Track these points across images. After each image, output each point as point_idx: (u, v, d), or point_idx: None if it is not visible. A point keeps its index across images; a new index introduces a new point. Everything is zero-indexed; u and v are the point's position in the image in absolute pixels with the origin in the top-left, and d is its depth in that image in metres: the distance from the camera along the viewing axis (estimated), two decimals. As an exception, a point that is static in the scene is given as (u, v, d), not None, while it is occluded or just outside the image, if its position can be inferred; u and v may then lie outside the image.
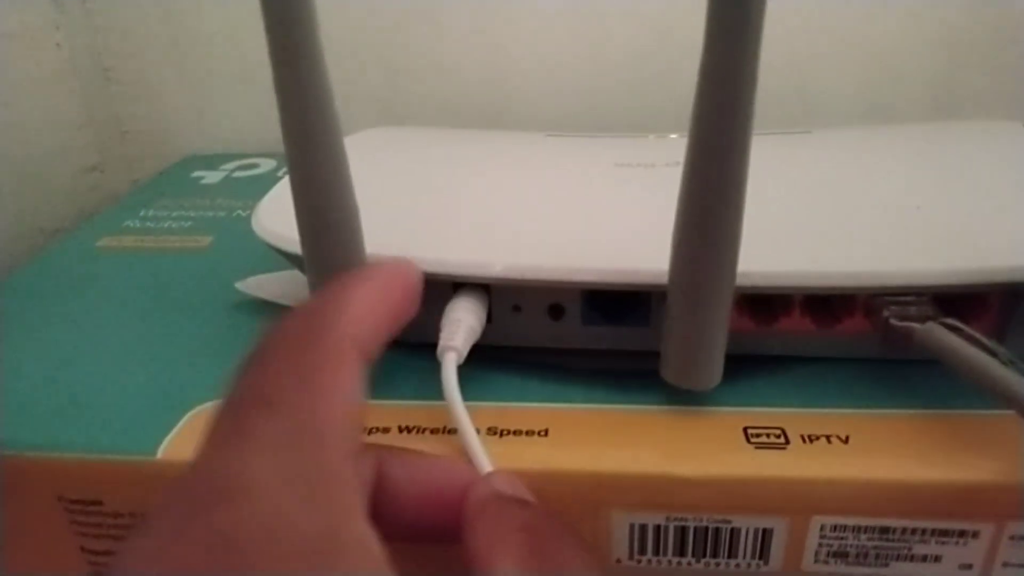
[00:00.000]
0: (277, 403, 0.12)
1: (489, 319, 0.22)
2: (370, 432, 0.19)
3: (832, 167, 0.26)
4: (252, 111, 0.42)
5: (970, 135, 0.29)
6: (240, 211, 0.34)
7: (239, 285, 0.27)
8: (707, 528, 0.18)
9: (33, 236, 0.37)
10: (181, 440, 0.20)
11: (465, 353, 0.20)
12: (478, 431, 0.19)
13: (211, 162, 0.41)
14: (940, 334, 0.19)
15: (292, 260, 0.23)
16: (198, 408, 0.21)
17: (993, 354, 0.18)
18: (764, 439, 0.19)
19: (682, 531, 0.19)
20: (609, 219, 0.23)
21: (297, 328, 0.14)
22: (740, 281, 0.18)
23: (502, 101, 0.41)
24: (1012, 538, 0.18)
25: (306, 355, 0.13)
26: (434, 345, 0.20)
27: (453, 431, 0.18)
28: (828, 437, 0.19)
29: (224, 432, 0.12)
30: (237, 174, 0.39)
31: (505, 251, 0.21)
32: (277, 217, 0.23)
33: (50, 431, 0.20)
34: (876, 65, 0.38)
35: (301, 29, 0.16)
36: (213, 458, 0.12)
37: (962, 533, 0.18)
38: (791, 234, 0.21)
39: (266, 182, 0.37)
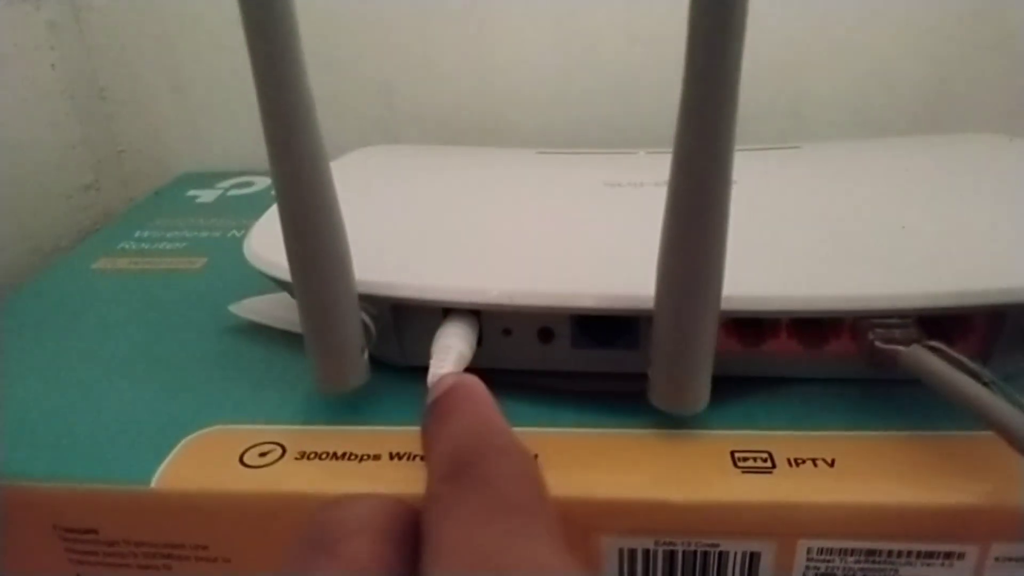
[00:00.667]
0: (536, 510, 0.14)
1: (479, 342, 0.22)
2: (360, 460, 0.20)
3: (819, 185, 0.27)
4: (247, 128, 0.42)
5: (956, 149, 0.30)
6: (235, 231, 0.34)
7: (232, 308, 0.27)
8: (695, 552, 0.19)
9: (30, 256, 0.38)
10: (176, 468, 0.20)
11: (455, 379, 0.20)
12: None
13: (206, 180, 0.41)
14: (924, 356, 0.19)
15: (283, 286, 0.23)
16: (192, 435, 0.21)
17: (976, 376, 0.18)
18: (751, 463, 0.19)
19: (671, 555, 0.19)
20: (598, 242, 0.23)
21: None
22: (726, 305, 0.18)
23: (494, 116, 0.41)
24: (998, 559, 0.18)
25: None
26: (425, 369, 0.21)
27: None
28: (814, 460, 0.19)
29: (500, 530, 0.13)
30: (232, 192, 0.39)
31: (495, 277, 0.22)
32: (268, 243, 0.24)
33: (44, 459, 0.20)
34: (866, 76, 0.38)
35: (283, 52, 0.16)
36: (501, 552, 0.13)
37: (948, 555, 0.18)
38: (776, 256, 0.21)
39: (260, 200, 0.38)
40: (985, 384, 0.18)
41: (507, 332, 0.23)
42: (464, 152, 0.34)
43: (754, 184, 0.25)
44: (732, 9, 0.14)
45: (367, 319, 0.21)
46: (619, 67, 0.40)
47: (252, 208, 0.34)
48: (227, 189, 0.40)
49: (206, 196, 0.39)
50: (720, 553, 0.19)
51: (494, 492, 0.14)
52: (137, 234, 0.34)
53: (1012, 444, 0.17)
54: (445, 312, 0.22)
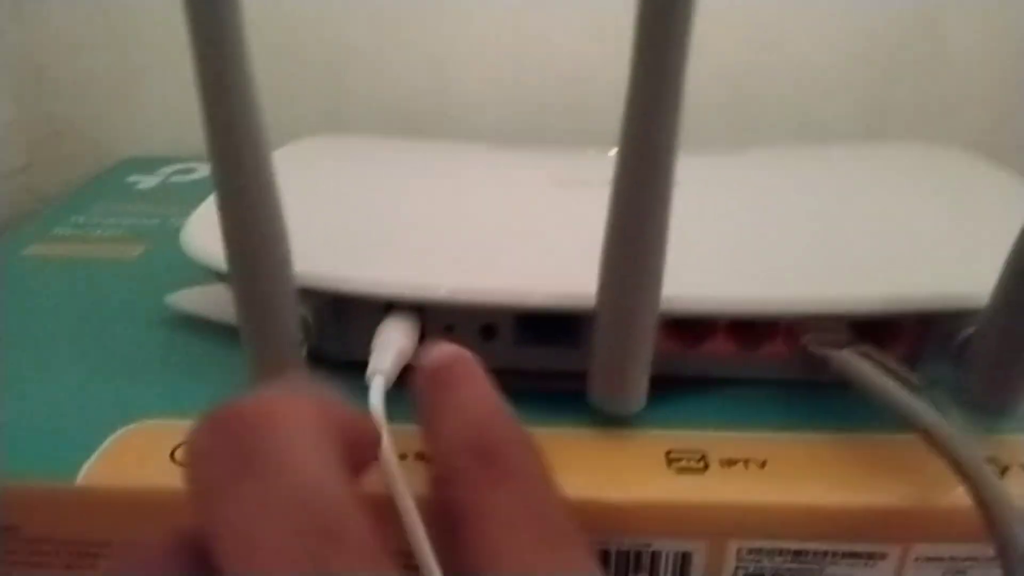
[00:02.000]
0: (569, 522, 0.15)
1: (421, 338, 0.22)
2: (296, 457, 0.19)
3: (761, 189, 0.27)
4: (191, 112, 0.41)
5: (893, 157, 0.30)
6: (174, 219, 0.33)
7: (169, 299, 0.26)
8: (628, 552, 0.19)
9: (-42, 239, 0.36)
10: (104, 463, 0.19)
11: (395, 376, 0.20)
12: (404, 456, 0.19)
13: (148, 166, 0.40)
14: (854, 361, 0.19)
15: (220, 277, 0.22)
16: (122, 430, 0.20)
17: (904, 380, 0.19)
18: (684, 463, 0.19)
19: (604, 554, 0.19)
20: (542, 240, 0.23)
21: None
22: (665, 306, 0.19)
23: (446, 106, 0.41)
24: (917, 559, 0.19)
25: None
26: (364, 364, 0.20)
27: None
28: (746, 462, 0.19)
29: None
30: (174, 179, 0.38)
31: (438, 272, 0.21)
32: (205, 232, 0.23)
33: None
34: (810, 83, 0.39)
35: (226, 39, 0.16)
36: None
37: (871, 555, 0.19)
38: (717, 258, 0.22)
39: (203, 187, 0.36)
40: (912, 389, 0.19)
41: (449, 328, 0.22)
42: (412, 145, 0.33)
43: (698, 186, 0.25)
44: (678, 11, 0.15)
45: (306, 313, 0.21)
46: (575, 63, 0.40)
47: (194, 195, 0.33)
48: (169, 175, 0.39)
49: (147, 182, 0.38)
50: (653, 553, 0.19)
51: (530, 493, 0.15)
52: (73, 219, 0.33)
53: (934, 447, 0.17)
54: (387, 307, 0.22)
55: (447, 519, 0.14)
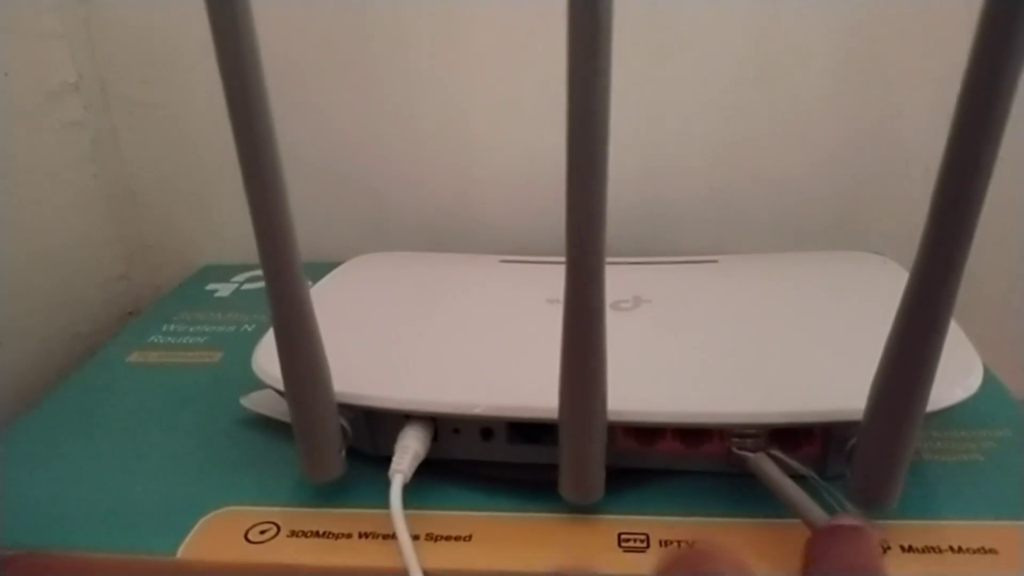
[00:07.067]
0: None
1: (435, 437, 0.28)
2: (336, 538, 0.26)
3: (705, 307, 0.33)
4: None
5: (830, 270, 0.36)
6: (246, 326, 0.40)
7: (243, 400, 0.33)
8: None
9: (71, 340, 0.44)
10: (196, 542, 0.26)
11: (411, 474, 0.26)
12: (417, 537, 0.25)
13: (224, 273, 0.47)
14: (763, 462, 0.25)
15: (282, 395, 0.29)
16: (209, 515, 0.27)
17: (801, 477, 0.24)
18: (631, 543, 0.25)
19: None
20: (530, 358, 0.29)
21: None
22: (621, 417, 0.25)
23: (469, 220, 0.48)
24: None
25: None
26: (390, 457, 0.27)
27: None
28: (679, 542, 0.25)
29: None
30: (246, 287, 0.45)
31: (446, 390, 0.28)
32: (269, 359, 0.29)
33: (90, 533, 0.26)
34: (784, 195, 0.45)
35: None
36: None
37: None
38: (666, 377, 0.27)
39: (269, 295, 0.44)
40: (808, 484, 0.24)
41: (456, 431, 0.28)
42: (436, 263, 0.40)
43: (652, 308, 0.31)
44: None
45: (345, 423, 0.27)
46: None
47: (261, 302, 0.40)
48: (241, 283, 0.46)
49: (223, 290, 0.45)
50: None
51: None
52: (164, 328, 0.41)
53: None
54: (407, 416, 0.28)
55: None
